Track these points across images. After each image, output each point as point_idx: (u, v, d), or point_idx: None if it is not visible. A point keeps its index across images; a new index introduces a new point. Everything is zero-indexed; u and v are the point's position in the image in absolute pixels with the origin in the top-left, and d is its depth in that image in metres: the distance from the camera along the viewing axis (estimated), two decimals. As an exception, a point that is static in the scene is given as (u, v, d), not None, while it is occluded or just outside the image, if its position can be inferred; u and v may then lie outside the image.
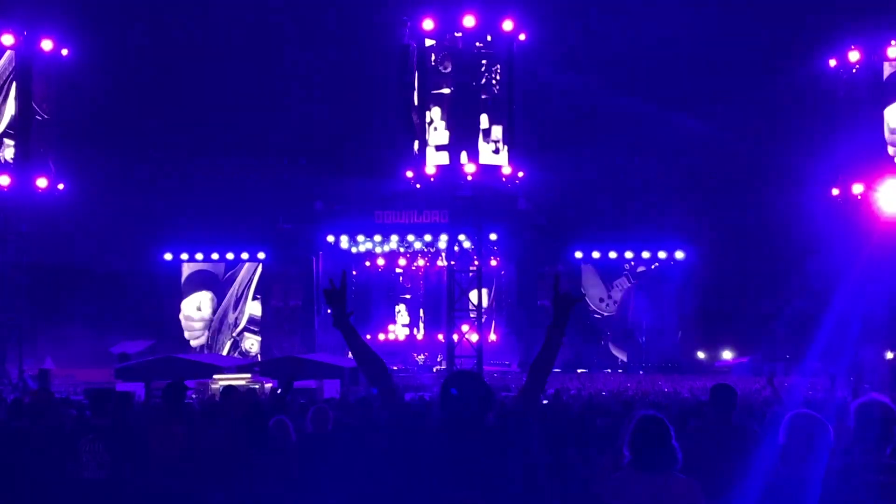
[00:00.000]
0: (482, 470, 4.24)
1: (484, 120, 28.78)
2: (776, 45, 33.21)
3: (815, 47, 32.80)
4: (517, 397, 4.61)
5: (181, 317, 40.36)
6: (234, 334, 40.63)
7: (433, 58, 28.93)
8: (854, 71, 32.00)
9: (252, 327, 40.77)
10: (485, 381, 4.57)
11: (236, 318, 40.71)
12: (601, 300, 40.90)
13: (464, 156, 28.17)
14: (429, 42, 28.83)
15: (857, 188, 31.43)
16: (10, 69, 30.05)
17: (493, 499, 4.22)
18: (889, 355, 32.95)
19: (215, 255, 40.32)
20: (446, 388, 4.50)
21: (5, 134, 30.04)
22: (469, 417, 4.40)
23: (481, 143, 28.58)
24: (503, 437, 4.37)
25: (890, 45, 31.49)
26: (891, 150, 31.80)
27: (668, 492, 4.77)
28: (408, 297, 43.98)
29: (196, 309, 40.42)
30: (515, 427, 4.43)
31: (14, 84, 30.03)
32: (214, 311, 40.49)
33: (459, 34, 28.52)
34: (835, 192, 32.38)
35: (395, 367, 36.67)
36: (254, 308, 40.83)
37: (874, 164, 31.40)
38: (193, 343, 39.97)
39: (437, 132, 28.96)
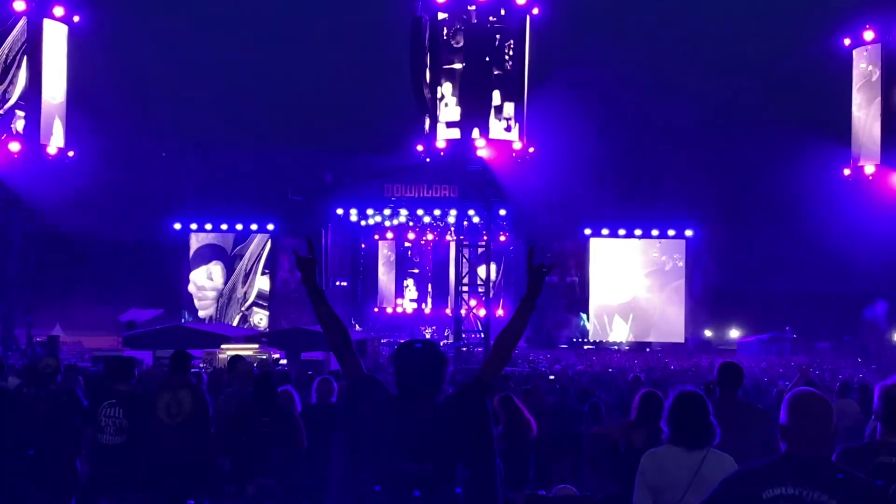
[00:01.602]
0: (428, 443, 4.21)
1: (496, 96, 28.66)
2: (791, 24, 33.00)
3: (830, 26, 32.58)
4: (480, 370, 4.57)
5: (191, 287, 40.41)
6: (242, 309, 40.69)
7: (445, 32, 28.78)
8: (868, 50, 31.82)
9: (260, 302, 40.80)
10: (438, 352, 4.50)
11: (245, 293, 40.76)
12: (610, 274, 40.80)
13: (475, 132, 28.09)
14: (441, 15, 28.68)
15: (869, 168, 31.31)
16: (23, 40, 29.97)
17: (437, 472, 4.20)
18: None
19: (224, 226, 40.31)
20: (395, 360, 4.47)
21: (17, 106, 30.00)
22: (419, 391, 4.36)
23: (492, 120, 28.48)
24: (452, 411, 4.32)
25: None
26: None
27: (707, 467, 4.81)
28: (416, 271, 44.02)
29: (207, 278, 40.49)
30: (469, 401, 4.37)
31: (26, 54, 29.96)
32: (226, 282, 40.54)
33: (473, 7, 28.37)
34: (846, 171, 32.28)
35: (402, 341, 36.65)
36: (262, 283, 40.82)
37: (886, 144, 31.25)
38: (202, 314, 40.03)
39: (449, 108, 28.87)
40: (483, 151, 28.13)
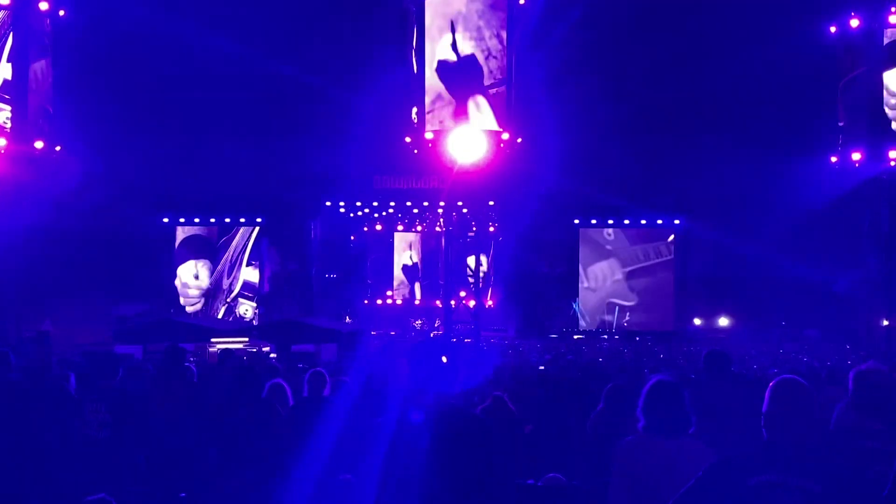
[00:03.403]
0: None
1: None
2: (776, 11, 33.02)
3: (816, 14, 32.62)
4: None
5: (177, 283, 40.32)
6: (227, 300, 40.57)
7: (432, 20, 28.77)
8: (854, 37, 31.94)
9: (246, 293, 40.68)
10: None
11: (230, 284, 40.62)
12: (599, 264, 40.88)
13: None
14: (428, 3, 28.67)
15: (856, 156, 31.42)
16: (3, 30, 29.80)
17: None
18: (885, 323, 33.12)
19: (213, 220, 40.26)
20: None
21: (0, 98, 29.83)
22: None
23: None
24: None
25: (891, 12, 31.36)
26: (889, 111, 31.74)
27: (682, 456, 4.79)
28: (407, 262, 43.97)
29: (193, 277, 40.36)
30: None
31: (8, 46, 29.79)
32: (212, 281, 40.43)
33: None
34: (833, 159, 32.41)
35: (392, 333, 36.67)
36: (248, 274, 40.67)
37: (874, 131, 31.38)
38: (189, 310, 39.93)
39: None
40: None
